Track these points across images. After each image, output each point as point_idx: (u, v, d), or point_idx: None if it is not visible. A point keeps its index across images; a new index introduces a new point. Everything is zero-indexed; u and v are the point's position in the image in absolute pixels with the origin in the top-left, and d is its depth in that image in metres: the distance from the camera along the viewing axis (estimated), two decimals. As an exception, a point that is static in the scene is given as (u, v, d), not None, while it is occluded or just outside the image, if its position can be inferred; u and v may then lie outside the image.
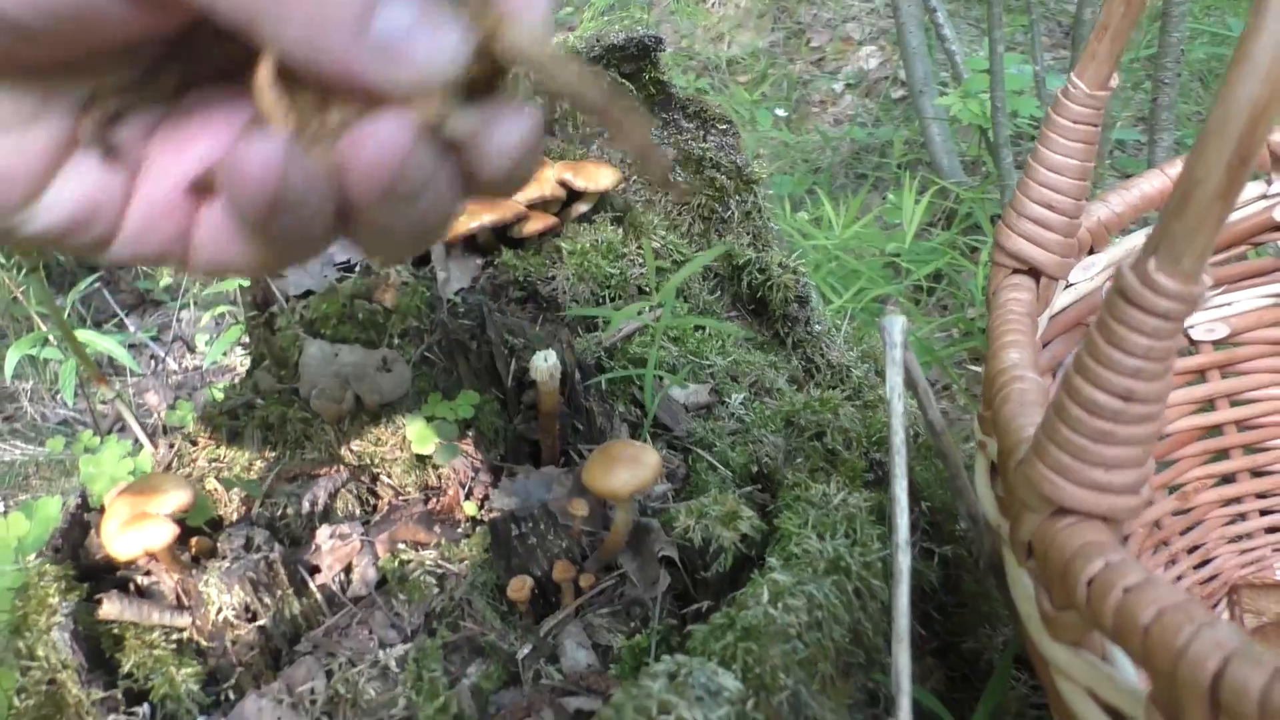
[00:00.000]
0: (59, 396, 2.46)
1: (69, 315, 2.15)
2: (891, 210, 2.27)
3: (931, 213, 2.27)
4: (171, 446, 1.04)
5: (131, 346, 2.63)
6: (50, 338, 2.05)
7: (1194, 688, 0.37)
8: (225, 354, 2.33)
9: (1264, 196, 0.86)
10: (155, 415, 2.33)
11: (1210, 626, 0.37)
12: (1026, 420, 0.64)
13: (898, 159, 2.71)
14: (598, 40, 1.09)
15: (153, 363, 2.61)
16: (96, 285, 2.69)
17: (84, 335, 1.98)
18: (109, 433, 2.26)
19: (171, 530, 0.79)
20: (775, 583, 0.70)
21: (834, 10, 3.66)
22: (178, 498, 0.82)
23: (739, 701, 0.63)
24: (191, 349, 2.68)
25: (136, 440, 2.06)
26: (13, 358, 1.99)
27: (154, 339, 2.71)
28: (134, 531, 0.79)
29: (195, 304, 2.73)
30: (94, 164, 0.35)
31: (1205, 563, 0.97)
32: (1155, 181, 0.85)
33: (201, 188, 0.36)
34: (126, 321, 2.78)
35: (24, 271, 1.41)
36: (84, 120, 0.36)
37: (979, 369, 1.80)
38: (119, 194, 0.36)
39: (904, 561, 0.57)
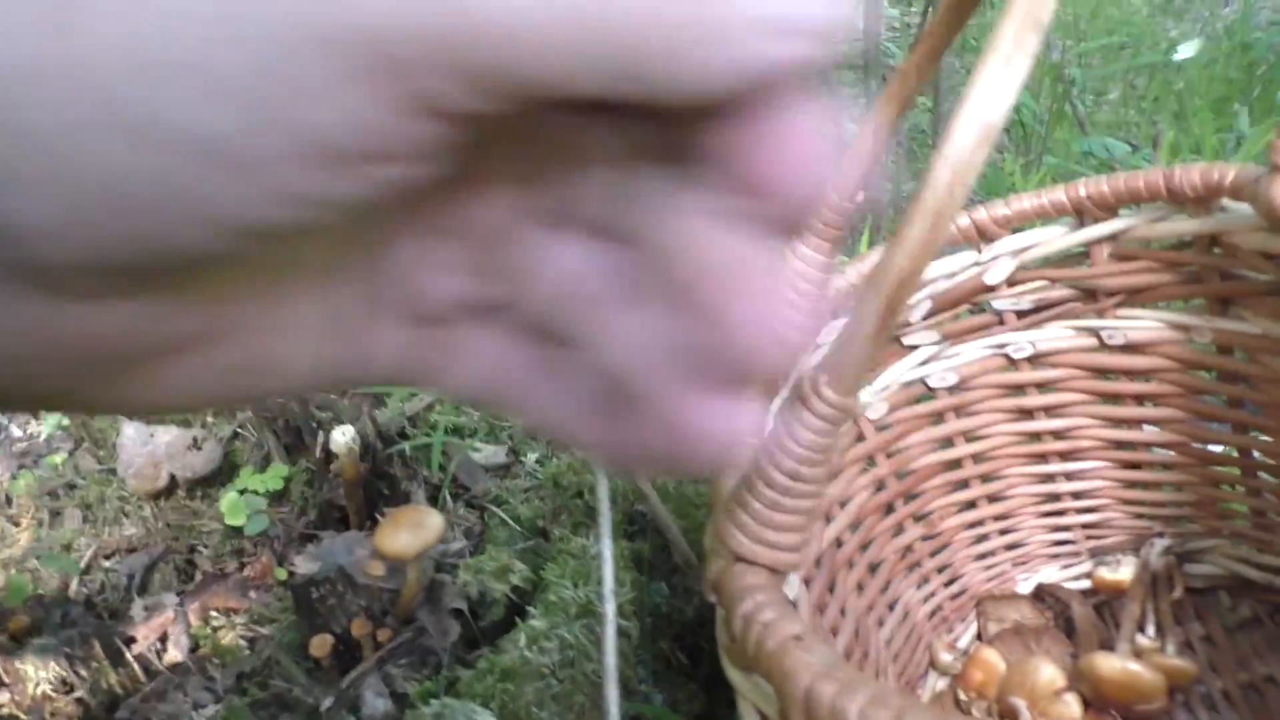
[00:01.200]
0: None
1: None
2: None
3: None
4: (-6, 530, 1.09)
5: (-28, 415, 2.60)
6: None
7: (794, 700, 0.48)
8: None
9: (976, 264, 1.01)
10: (-3, 485, 2.32)
11: (809, 651, 0.49)
12: (729, 485, 0.76)
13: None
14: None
15: (-5, 430, 2.59)
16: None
17: (-83, 410, 1.97)
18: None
19: (-15, 614, 0.86)
20: (532, 628, 0.80)
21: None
22: (-9, 582, 0.88)
23: (495, 735, 0.74)
24: (36, 415, 2.66)
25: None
26: None
27: (-4, 406, 2.68)
28: (-52, 617, 0.85)
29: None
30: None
31: (954, 580, 1.11)
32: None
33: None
34: (-34, 389, 2.73)
35: None
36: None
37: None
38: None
39: (609, 607, 0.68)
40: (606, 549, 0.71)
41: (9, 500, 1.51)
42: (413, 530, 0.90)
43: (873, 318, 0.49)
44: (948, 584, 1.11)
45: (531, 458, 1.15)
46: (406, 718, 0.77)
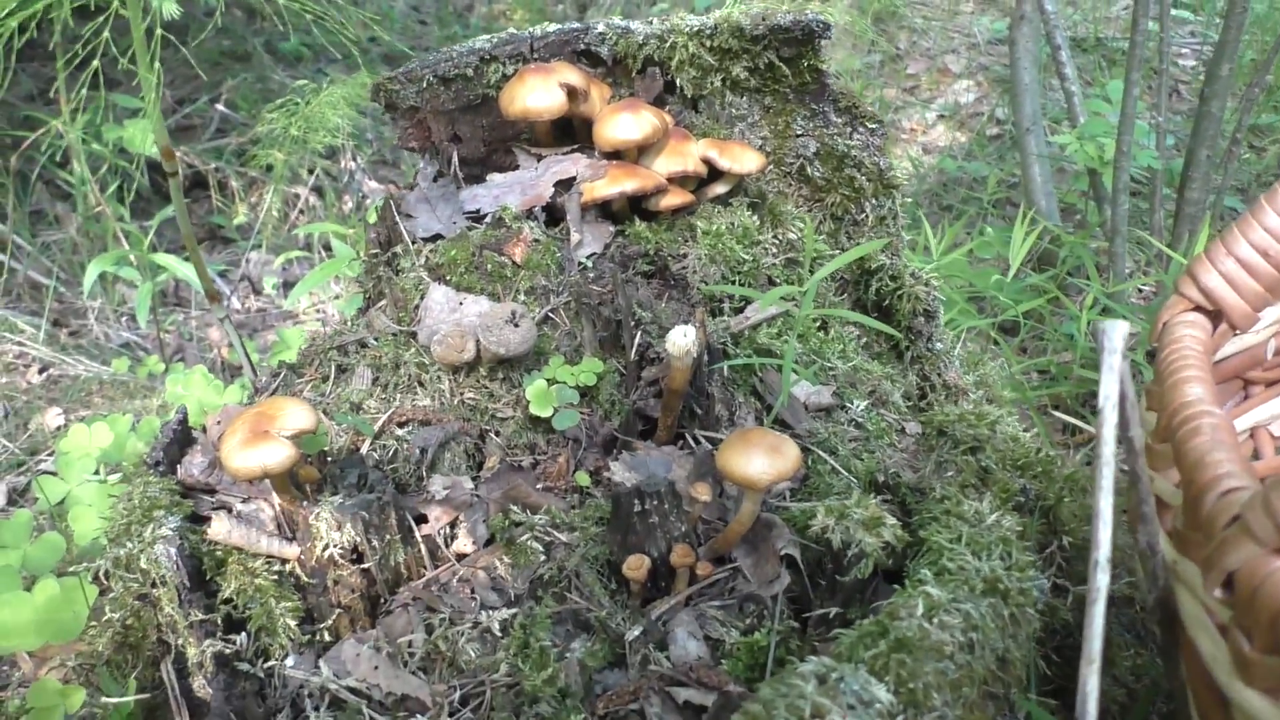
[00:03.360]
0: (124, 319, 2.45)
1: (151, 240, 2.14)
2: (982, 245, 2.22)
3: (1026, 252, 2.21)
4: (277, 375, 1.01)
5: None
6: (132, 258, 2.03)
7: None
8: (308, 298, 2.31)
9: None
10: (216, 350, 2.32)
11: None
12: (1222, 455, 0.60)
13: (990, 195, 2.66)
14: (763, 19, 1.05)
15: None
16: (172, 214, 2.67)
17: (164, 259, 1.96)
18: (171, 360, 2.25)
19: (291, 453, 0.76)
20: (929, 596, 0.66)
21: (934, 41, 3.61)
22: (300, 421, 0.79)
23: (890, 715, 0.60)
24: (258, 290, 2.66)
25: (212, 369, 2.04)
26: (93, 273, 1.97)
27: (221, 275, 2.70)
28: (254, 450, 0.76)
29: (266, 247, 2.72)
30: None
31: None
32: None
33: None
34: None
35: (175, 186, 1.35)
36: None
37: (1062, 417, 1.75)
38: None
39: (1102, 581, 0.53)
40: (1105, 504, 0.55)
41: (232, 365, 1.45)
42: (769, 455, 0.77)
43: None
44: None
45: (858, 405, 1.00)
46: (763, 675, 0.63)
